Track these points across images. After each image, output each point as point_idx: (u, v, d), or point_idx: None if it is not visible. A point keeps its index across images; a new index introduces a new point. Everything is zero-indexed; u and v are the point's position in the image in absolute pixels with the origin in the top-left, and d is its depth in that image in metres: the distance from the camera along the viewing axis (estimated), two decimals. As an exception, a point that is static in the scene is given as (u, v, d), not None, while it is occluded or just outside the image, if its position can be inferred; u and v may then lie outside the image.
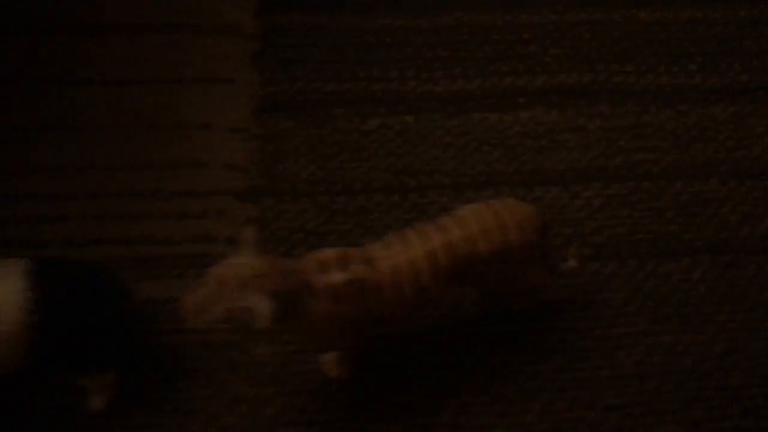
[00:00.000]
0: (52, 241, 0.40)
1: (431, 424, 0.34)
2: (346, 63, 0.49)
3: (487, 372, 0.36)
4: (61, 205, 0.41)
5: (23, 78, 0.47)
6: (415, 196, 0.43)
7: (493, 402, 0.36)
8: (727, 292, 0.40)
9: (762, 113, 0.47)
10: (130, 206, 0.41)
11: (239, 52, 0.49)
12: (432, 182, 0.44)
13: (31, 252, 0.38)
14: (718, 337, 0.38)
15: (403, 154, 0.45)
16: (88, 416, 0.33)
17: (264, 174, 0.43)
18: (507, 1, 0.54)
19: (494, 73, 0.50)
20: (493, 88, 0.49)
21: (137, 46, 0.48)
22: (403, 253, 0.32)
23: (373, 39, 0.51)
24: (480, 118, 0.48)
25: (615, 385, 0.37)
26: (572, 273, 0.38)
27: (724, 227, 0.42)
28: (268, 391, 0.35)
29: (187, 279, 0.38)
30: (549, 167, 0.45)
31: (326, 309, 0.30)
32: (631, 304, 0.39)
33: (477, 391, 0.36)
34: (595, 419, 0.36)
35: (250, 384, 0.35)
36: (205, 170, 0.43)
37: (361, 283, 0.31)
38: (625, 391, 0.36)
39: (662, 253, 0.41)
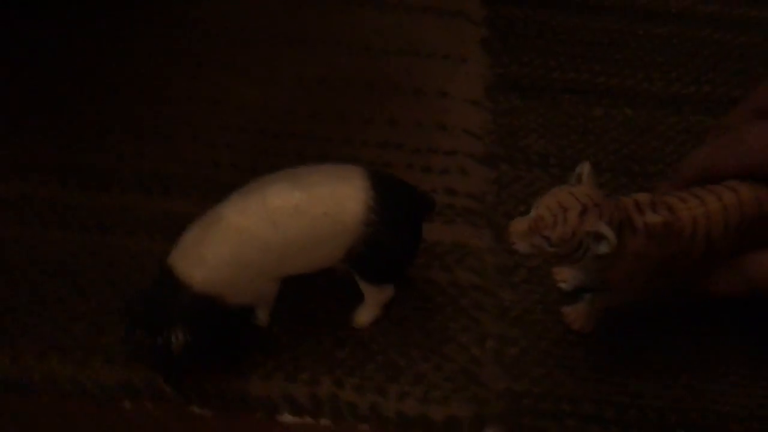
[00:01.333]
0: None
1: (671, 384, 0.36)
2: (568, 56, 0.53)
3: (717, 353, 0.38)
4: (321, 147, 0.45)
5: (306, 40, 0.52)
6: (642, 179, 0.45)
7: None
8: None
9: None
10: (379, 155, 0.45)
11: (470, 35, 0.53)
12: (657, 170, 0.46)
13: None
14: None
15: (627, 142, 0.48)
16: (348, 328, 0.36)
17: (499, 143, 0.47)
18: (715, 19, 0.57)
19: (707, 82, 0.52)
20: (708, 95, 0.51)
21: (386, 20, 0.53)
22: (700, 206, 0.34)
23: (592, 38, 0.54)
24: (696, 120, 0.50)
25: None
26: None
27: None
28: (513, 332, 0.37)
29: (435, 224, 0.42)
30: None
31: (640, 246, 0.32)
32: None
33: (706, 367, 0.37)
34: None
35: (496, 323, 0.38)
36: (445, 132, 0.46)
37: (670, 226, 0.33)
38: None
39: None
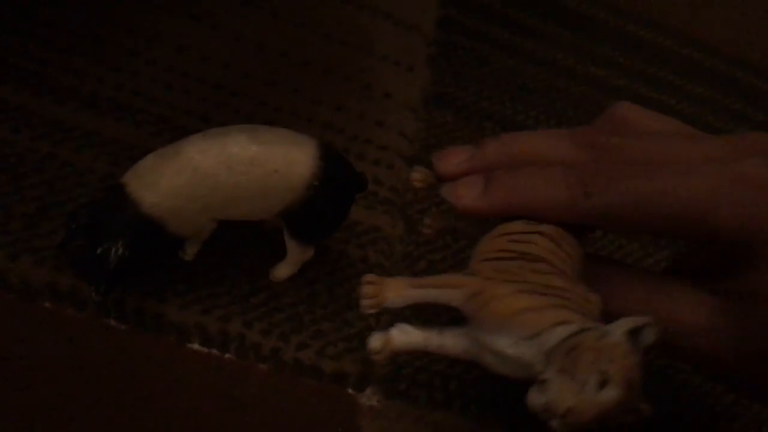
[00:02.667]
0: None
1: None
2: (497, 91, 0.61)
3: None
4: (271, 114, 0.49)
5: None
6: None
7: None
8: None
9: None
10: (321, 134, 0.49)
11: (420, 50, 0.59)
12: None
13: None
14: None
15: (531, 175, 0.55)
16: (265, 280, 0.40)
17: (426, 149, 0.52)
18: (622, 94, 0.66)
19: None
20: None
21: (349, 15, 0.58)
22: None
23: (521, 81, 0.62)
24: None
25: None
26: None
27: None
28: (406, 312, 0.40)
29: (358, 206, 0.46)
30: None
31: None
32: None
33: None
34: None
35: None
36: (382, 129, 0.52)
37: None
38: None
39: None
